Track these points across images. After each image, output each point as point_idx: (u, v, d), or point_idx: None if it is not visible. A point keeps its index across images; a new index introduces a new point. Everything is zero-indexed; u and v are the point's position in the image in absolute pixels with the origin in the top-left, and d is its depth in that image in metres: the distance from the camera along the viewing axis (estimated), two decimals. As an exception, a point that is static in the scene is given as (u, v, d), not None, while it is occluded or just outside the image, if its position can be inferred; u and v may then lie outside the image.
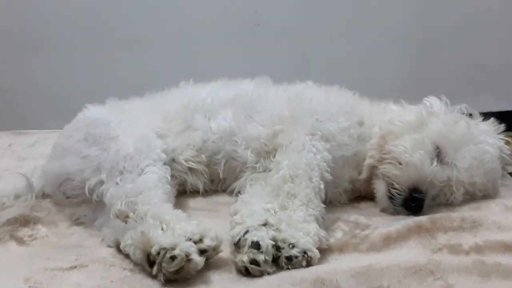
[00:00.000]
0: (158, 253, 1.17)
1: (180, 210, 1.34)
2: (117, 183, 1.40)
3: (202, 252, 1.19)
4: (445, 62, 2.99)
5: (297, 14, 2.86)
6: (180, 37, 2.86)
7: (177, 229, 1.24)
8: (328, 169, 1.46)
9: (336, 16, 2.90)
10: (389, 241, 1.32)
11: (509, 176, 1.71)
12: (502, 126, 1.64)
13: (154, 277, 1.17)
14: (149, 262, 1.20)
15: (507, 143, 1.61)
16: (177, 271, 1.16)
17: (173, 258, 1.16)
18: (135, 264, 1.24)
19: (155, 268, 1.18)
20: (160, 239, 1.20)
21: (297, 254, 1.21)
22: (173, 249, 1.17)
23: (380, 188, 1.54)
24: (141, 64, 2.87)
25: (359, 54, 2.93)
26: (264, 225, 1.25)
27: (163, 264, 1.17)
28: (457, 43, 3.00)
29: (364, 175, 1.60)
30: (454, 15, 2.95)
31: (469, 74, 2.98)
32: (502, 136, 1.62)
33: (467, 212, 1.46)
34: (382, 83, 2.66)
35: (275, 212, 1.32)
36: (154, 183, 1.39)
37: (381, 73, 2.91)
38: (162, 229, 1.25)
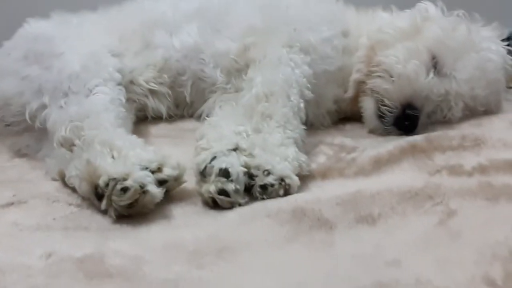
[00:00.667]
0: (107, 185, 1.04)
1: (135, 136, 1.25)
2: (61, 107, 1.28)
3: (161, 183, 1.08)
4: None
5: None
6: None
7: (131, 157, 1.11)
8: (309, 85, 1.38)
9: None
10: (379, 164, 1.23)
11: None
12: (507, 31, 1.57)
13: (105, 212, 1.07)
14: (97, 195, 1.07)
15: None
16: (130, 205, 1.04)
17: (124, 190, 1.04)
18: (83, 198, 1.13)
19: (104, 202, 1.06)
20: (109, 168, 1.07)
21: (273, 181, 1.11)
22: (125, 179, 1.04)
23: (368, 106, 1.48)
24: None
25: None
26: (235, 150, 1.16)
27: (113, 197, 1.04)
28: None
29: (350, 93, 1.52)
30: None
31: None
32: (505, 43, 1.55)
33: (468, 129, 1.41)
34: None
35: (248, 136, 1.24)
36: (105, 106, 1.29)
37: None
38: (113, 157, 1.12)
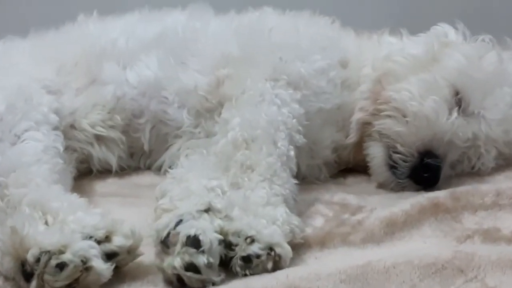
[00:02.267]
0: (38, 260, 1.02)
1: (76, 195, 1.24)
2: None
3: (109, 256, 1.07)
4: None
5: None
6: None
7: (70, 223, 1.10)
8: (300, 128, 1.40)
9: None
10: (393, 228, 1.25)
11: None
12: None
13: (35, 297, 1.04)
14: (24, 274, 1.04)
15: None
16: (68, 286, 1.03)
17: (61, 266, 1.01)
18: (5, 278, 1.09)
19: (34, 283, 1.02)
20: (40, 238, 1.04)
21: (260, 251, 1.10)
22: (62, 252, 1.02)
23: (376, 153, 1.49)
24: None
25: None
26: (207, 211, 1.15)
27: (46, 277, 1.01)
28: None
29: (353, 137, 1.54)
30: None
31: (484, 12, 2.89)
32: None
33: (504, 183, 1.42)
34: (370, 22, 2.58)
35: (223, 192, 1.23)
36: (36, 156, 1.30)
37: (369, 9, 2.83)
38: (46, 223, 1.12)
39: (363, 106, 1.52)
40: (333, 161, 1.57)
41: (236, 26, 1.61)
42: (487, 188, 1.35)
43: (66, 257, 1.01)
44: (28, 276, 1.03)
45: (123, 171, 1.59)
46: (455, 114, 1.43)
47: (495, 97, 1.47)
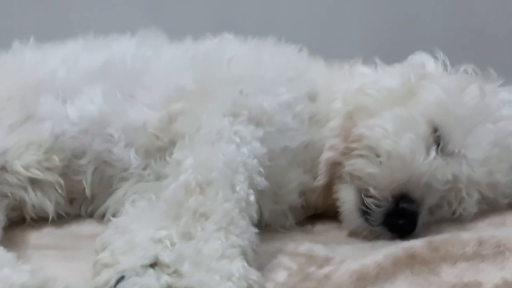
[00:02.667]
0: None
1: (3, 249, 1.25)
2: None
3: None
4: (432, 22, 2.97)
5: None
6: None
7: None
8: (262, 170, 1.39)
9: None
10: (364, 283, 1.24)
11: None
12: None
13: None
14: None
15: None
16: None
17: None
18: None
19: None
20: None
21: None
22: None
23: (347, 197, 1.49)
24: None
25: (308, 7, 2.88)
26: (153, 266, 1.18)
27: None
28: None
29: (321, 179, 1.54)
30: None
31: (466, 40, 2.98)
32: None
33: (487, 230, 1.43)
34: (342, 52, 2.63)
35: (173, 244, 1.24)
36: None
37: (341, 36, 2.89)
38: None
39: (333, 144, 1.53)
40: (300, 206, 1.57)
41: (192, 55, 1.62)
42: (468, 236, 1.36)
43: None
44: None
45: (61, 219, 1.57)
46: (433, 153, 1.44)
47: (477, 134, 1.48)
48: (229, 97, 1.48)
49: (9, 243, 1.33)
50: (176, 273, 1.16)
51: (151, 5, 2.91)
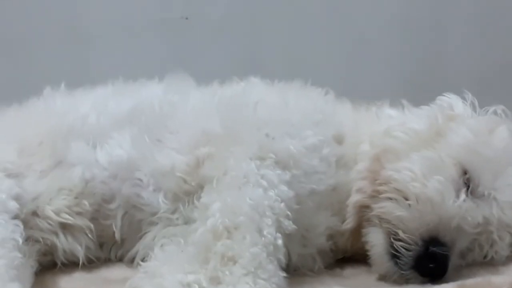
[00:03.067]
0: None
1: None
2: None
3: None
4: (460, 61, 3.00)
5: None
6: (71, 35, 2.87)
7: None
8: (289, 213, 1.40)
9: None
10: None
11: None
12: None
13: None
14: None
15: None
16: None
17: None
18: None
19: None
20: None
21: None
22: None
23: (376, 240, 1.48)
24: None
25: (335, 50, 2.94)
26: None
27: None
28: (476, 33, 3.01)
29: (350, 223, 1.54)
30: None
31: (494, 79, 3.01)
32: None
33: None
34: (369, 93, 2.65)
35: None
36: None
37: (367, 78, 2.93)
38: None
39: (361, 187, 1.52)
40: (329, 250, 1.56)
41: (219, 100, 1.62)
42: (500, 280, 1.35)
43: None
44: None
45: (91, 263, 1.57)
46: (463, 196, 1.43)
47: (507, 176, 1.47)
48: (256, 140, 1.48)
49: None
50: (206, 317, 1.15)
51: (178, 49, 2.95)
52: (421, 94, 1.70)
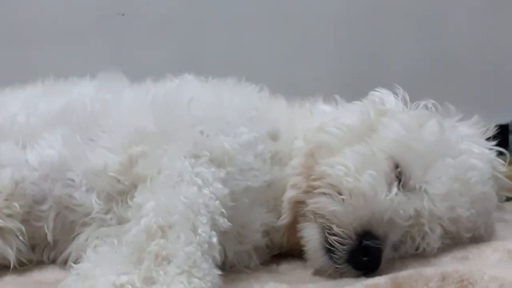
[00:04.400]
0: None
1: None
2: None
3: None
4: (397, 60, 3.09)
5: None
6: (8, 35, 2.88)
7: None
8: (225, 211, 1.39)
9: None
10: None
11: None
12: (492, 128, 1.63)
13: None
14: None
15: None
16: None
17: None
18: None
19: None
20: None
21: None
22: None
23: (311, 235, 1.49)
24: None
25: (274, 46, 2.99)
26: None
27: None
28: (412, 31, 3.11)
29: (285, 218, 1.54)
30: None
31: (429, 74, 3.09)
32: (492, 143, 1.62)
33: (450, 265, 1.42)
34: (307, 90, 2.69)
35: None
36: None
37: (306, 75, 2.98)
38: None
39: (296, 183, 1.53)
40: (265, 246, 1.57)
41: (152, 98, 1.61)
42: (431, 272, 1.35)
43: None
44: None
45: (22, 266, 1.55)
46: (395, 189, 1.44)
47: (438, 169, 1.49)
48: (190, 138, 1.47)
49: None
50: (139, 319, 1.14)
51: (115, 46, 2.94)
52: (357, 91, 1.71)
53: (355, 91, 1.70)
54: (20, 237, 1.53)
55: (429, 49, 3.18)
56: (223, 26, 2.98)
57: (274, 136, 1.59)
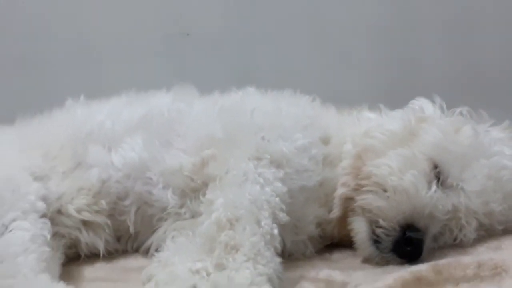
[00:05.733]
0: None
1: (63, 283, 1.26)
2: None
3: None
4: (433, 68, 2.99)
5: (233, 18, 2.90)
6: (81, 54, 2.83)
7: None
8: (284, 206, 1.41)
9: (284, 15, 2.90)
10: None
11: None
12: None
13: None
14: None
15: None
16: None
17: None
18: None
19: None
20: None
21: None
22: None
23: (359, 228, 1.49)
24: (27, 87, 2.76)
25: (318, 59, 2.93)
26: None
27: None
28: (448, 41, 3.00)
29: (336, 213, 1.55)
30: (444, 6, 2.96)
31: (464, 82, 3.00)
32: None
33: (485, 254, 1.43)
34: (351, 98, 2.63)
35: (208, 274, 1.25)
36: (24, 246, 1.31)
37: (349, 84, 2.91)
38: None
39: (345, 182, 1.54)
40: (318, 236, 1.57)
41: (220, 107, 1.63)
42: (468, 260, 1.36)
43: None
44: None
45: (110, 255, 1.58)
46: (434, 187, 1.44)
47: (473, 169, 1.48)
48: (253, 143, 1.50)
49: (67, 277, 1.34)
50: (213, 300, 1.16)
51: (180, 63, 2.91)
52: (396, 99, 1.71)
53: (392, 98, 1.72)
54: (107, 230, 1.57)
55: (463, 58, 3.07)
56: (272, 42, 2.91)
57: (325, 141, 1.59)
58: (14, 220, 1.35)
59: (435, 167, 1.49)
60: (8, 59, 2.75)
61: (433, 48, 2.99)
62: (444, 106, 1.64)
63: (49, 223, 1.42)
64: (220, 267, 1.26)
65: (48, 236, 1.38)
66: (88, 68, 2.82)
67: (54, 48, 2.78)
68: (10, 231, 1.33)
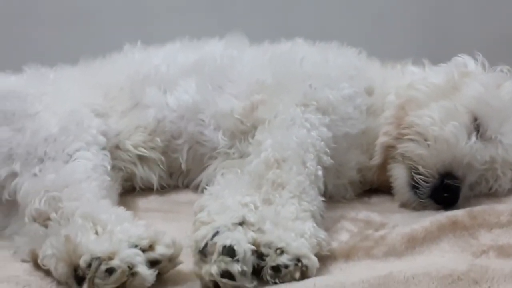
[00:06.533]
0: (89, 265, 1.07)
1: (122, 208, 1.28)
2: (35, 175, 1.33)
3: (153, 263, 1.11)
4: (467, 33, 2.91)
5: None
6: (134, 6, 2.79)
7: (117, 233, 1.13)
8: (328, 150, 1.42)
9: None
10: (414, 243, 1.26)
11: None
12: None
13: (85, 299, 1.08)
14: (77, 279, 1.09)
15: None
16: None
17: (110, 271, 1.06)
18: (59, 283, 1.14)
19: (85, 286, 1.07)
20: (92, 245, 1.09)
21: (288, 262, 1.12)
22: (111, 258, 1.06)
23: (399, 174, 1.51)
24: (76, 32, 2.74)
25: (361, 13, 2.85)
26: (241, 224, 1.17)
27: (97, 280, 1.06)
28: (482, 8, 2.94)
29: (377, 160, 1.56)
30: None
31: (499, 42, 2.92)
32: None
33: None
34: (395, 50, 2.57)
35: (256, 208, 1.25)
36: (87, 173, 1.33)
37: (395, 40, 2.84)
38: (96, 232, 1.15)
39: (387, 131, 1.54)
40: (358, 181, 1.59)
41: (270, 56, 1.64)
42: (503, 208, 1.36)
43: (115, 263, 1.06)
44: (80, 280, 1.08)
45: (163, 189, 1.62)
46: (473, 138, 1.45)
47: (511, 123, 1.49)
48: (301, 90, 1.50)
49: (123, 207, 1.33)
50: (259, 230, 1.18)
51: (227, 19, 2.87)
52: (440, 56, 1.71)
53: (434, 56, 1.71)
54: (161, 166, 1.61)
55: (498, 23, 3.01)
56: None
57: (369, 92, 1.59)
58: (77, 150, 1.37)
59: (475, 119, 1.49)
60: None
61: (466, 13, 2.92)
62: (486, 63, 1.63)
63: (109, 155, 1.45)
64: (267, 202, 1.27)
65: (109, 167, 1.41)
66: (140, 21, 2.77)
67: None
68: (75, 160, 1.35)
